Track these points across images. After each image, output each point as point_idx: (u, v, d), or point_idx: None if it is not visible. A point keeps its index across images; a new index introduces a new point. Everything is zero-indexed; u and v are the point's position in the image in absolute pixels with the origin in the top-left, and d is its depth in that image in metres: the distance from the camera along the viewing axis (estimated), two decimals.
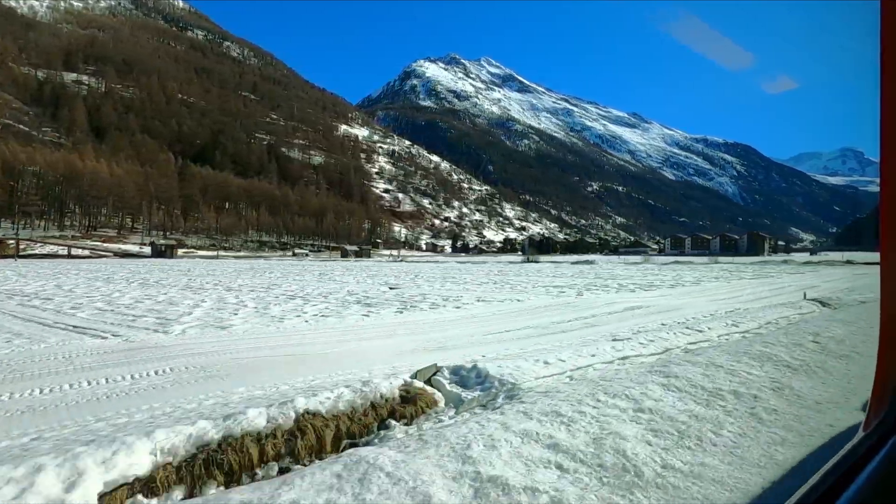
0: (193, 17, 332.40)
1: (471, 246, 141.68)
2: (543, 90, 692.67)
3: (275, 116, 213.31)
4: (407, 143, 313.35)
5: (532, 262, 57.50)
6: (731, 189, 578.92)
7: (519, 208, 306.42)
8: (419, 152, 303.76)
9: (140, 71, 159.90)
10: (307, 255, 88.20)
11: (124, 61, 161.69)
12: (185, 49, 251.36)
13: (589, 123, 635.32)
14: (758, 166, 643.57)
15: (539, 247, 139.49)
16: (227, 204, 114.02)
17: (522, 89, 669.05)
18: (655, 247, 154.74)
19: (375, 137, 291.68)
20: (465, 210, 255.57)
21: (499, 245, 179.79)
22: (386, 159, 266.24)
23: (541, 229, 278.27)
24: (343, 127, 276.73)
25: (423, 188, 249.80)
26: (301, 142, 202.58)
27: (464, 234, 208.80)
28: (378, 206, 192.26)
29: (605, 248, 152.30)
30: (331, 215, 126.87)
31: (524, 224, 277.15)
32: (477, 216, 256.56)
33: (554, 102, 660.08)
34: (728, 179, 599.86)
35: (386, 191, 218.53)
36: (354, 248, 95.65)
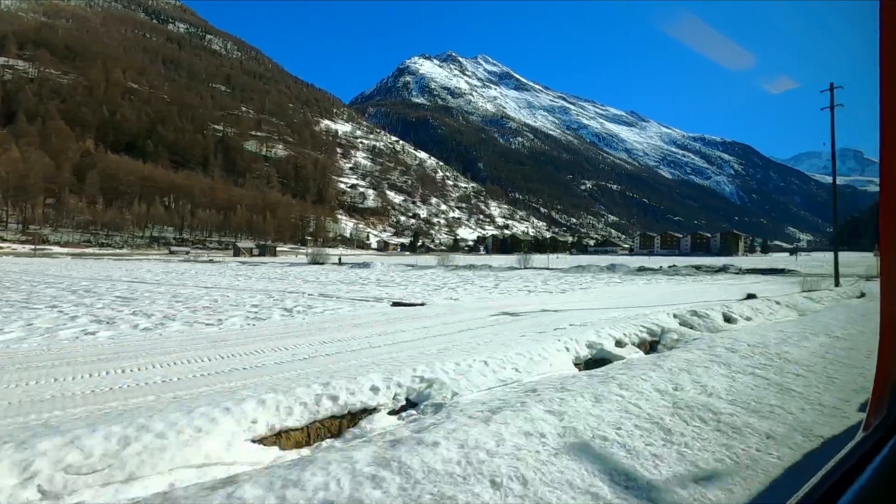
0: (177, 10, 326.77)
1: (418, 244, 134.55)
2: (541, 88, 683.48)
3: (244, 109, 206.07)
4: (393, 138, 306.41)
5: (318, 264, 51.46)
6: (728, 188, 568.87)
7: (506, 206, 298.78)
8: (404, 148, 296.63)
9: (85, 58, 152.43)
10: (188, 252, 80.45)
11: (67, 47, 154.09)
12: (161, 41, 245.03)
13: (586, 122, 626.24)
14: (756, 165, 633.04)
15: (502, 246, 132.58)
16: (142, 197, 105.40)
17: (519, 87, 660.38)
18: (626, 246, 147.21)
19: (358, 133, 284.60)
20: (443, 207, 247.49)
21: (467, 244, 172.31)
22: (365, 155, 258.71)
23: (527, 227, 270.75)
24: (325, 122, 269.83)
25: (399, 184, 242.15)
26: (264, 135, 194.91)
27: (432, 232, 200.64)
28: (338, 201, 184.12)
29: (577, 246, 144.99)
30: (241, 209, 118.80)
31: (509, 222, 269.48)
32: (456, 214, 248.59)
33: (551, 101, 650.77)
34: (725, 178, 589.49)
35: (353, 186, 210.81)
36: (251, 245, 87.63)
